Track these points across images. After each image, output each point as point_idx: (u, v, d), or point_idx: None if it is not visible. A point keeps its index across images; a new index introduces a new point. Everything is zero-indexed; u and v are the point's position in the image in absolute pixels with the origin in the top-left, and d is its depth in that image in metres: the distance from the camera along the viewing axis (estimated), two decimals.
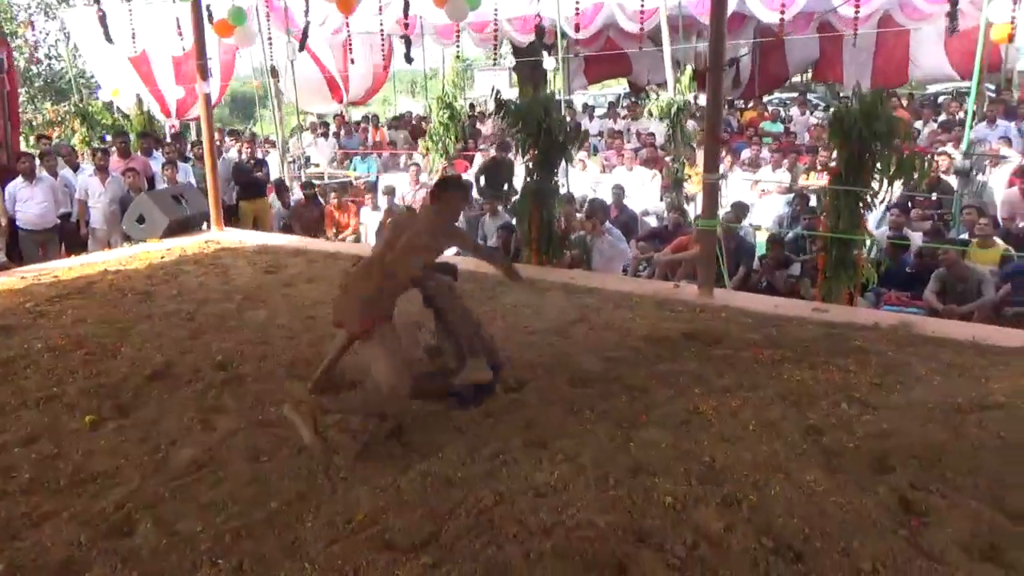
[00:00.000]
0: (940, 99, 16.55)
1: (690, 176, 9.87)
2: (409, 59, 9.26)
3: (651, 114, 9.99)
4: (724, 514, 2.72)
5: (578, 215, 7.67)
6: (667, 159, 10.03)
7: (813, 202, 8.27)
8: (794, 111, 16.33)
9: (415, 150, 14.10)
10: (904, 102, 14.13)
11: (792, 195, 9.72)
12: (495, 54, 13.69)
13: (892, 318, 5.07)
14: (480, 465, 3.15)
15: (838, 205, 5.35)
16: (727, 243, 7.67)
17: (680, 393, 3.79)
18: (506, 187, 8.97)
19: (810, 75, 19.36)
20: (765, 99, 18.04)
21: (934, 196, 8.46)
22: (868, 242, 5.50)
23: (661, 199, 11.10)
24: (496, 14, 10.17)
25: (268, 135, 17.18)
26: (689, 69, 9.77)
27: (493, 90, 6.91)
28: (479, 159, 12.73)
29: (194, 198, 8.50)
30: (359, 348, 3.52)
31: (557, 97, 10.35)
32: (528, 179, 6.54)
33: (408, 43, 9.27)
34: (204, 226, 8.52)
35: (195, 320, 5.17)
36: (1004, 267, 6.84)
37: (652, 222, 10.15)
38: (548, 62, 13.12)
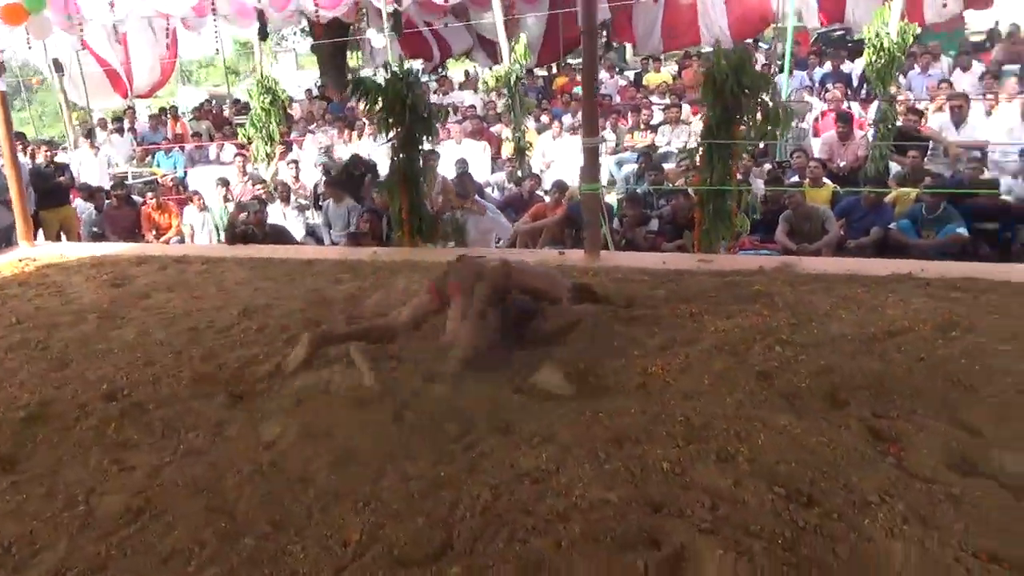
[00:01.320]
0: None
1: (531, 144, 9.94)
2: (265, 34, 8.64)
3: (486, 85, 9.94)
4: (725, 470, 2.73)
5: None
6: (507, 129, 9.99)
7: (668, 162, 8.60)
8: (603, 74, 16.91)
9: (227, 140, 13.25)
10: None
11: (616, 156, 10.06)
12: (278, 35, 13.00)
13: (772, 261, 5.36)
14: (459, 460, 2.97)
15: (712, 159, 5.55)
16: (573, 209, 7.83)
17: (621, 356, 3.78)
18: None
19: (606, 37, 20.11)
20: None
21: (761, 144, 9.06)
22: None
23: (492, 171, 11.16)
24: None
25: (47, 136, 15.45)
26: (523, 38, 9.77)
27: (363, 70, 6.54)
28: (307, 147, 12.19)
29: None
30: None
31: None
32: (394, 159, 6.28)
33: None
34: (9, 242, 7.52)
35: (52, 349, 4.52)
36: (835, 205, 7.47)
37: (493, 193, 10.17)
38: (377, 39, 12.68)
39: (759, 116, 5.49)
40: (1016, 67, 11.45)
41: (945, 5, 12.71)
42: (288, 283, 5.58)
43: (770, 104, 5.46)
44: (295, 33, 26.12)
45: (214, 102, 17.70)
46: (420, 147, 6.29)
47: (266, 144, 10.65)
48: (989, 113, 9.15)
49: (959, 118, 8.63)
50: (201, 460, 3.15)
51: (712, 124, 5.53)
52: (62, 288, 5.86)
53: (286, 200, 9.55)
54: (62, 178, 9.44)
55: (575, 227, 7.86)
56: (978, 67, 11.46)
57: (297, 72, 27.46)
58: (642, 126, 11.50)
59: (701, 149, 5.78)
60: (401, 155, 6.22)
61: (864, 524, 2.42)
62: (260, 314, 4.85)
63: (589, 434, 3.06)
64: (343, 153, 11.68)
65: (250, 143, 11.00)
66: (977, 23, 16.16)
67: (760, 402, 3.22)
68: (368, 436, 3.22)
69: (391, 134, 6.21)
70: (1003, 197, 6.95)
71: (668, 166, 9.38)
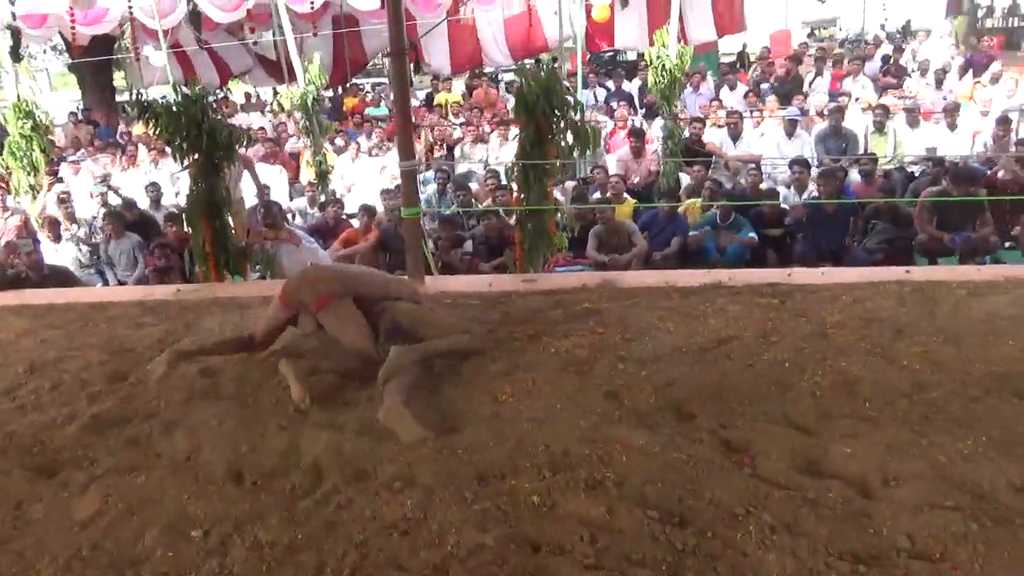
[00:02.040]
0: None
1: (332, 167, 9.62)
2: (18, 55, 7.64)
3: (280, 107, 9.49)
4: (596, 498, 2.69)
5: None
6: (306, 152, 9.59)
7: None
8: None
9: None
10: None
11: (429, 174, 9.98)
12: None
13: (592, 278, 5.49)
14: (314, 517, 2.72)
15: (528, 178, 5.60)
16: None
17: (466, 384, 3.68)
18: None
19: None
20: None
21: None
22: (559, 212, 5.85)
23: (291, 196, 10.71)
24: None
25: None
26: (318, 58, 9.43)
27: (135, 92, 5.97)
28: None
29: None
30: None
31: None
32: (194, 188, 5.79)
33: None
34: None
35: None
36: (636, 219, 7.82)
37: (295, 219, 9.72)
38: (156, 57, 11.74)
39: (569, 135, 5.60)
40: (771, 85, 12.68)
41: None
42: (80, 331, 4.96)
43: (579, 123, 5.58)
44: (44, 51, 23.80)
45: None
46: (221, 174, 5.85)
47: (28, 175, 9.51)
48: (756, 128, 10.02)
49: (735, 133, 9.36)
50: (4, 551, 2.67)
51: (526, 144, 5.57)
52: None
53: (56, 238, 8.56)
54: None
55: (389, 251, 7.69)
56: (741, 86, 12.56)
57: (51, 93, 25.01)
58: (439, 145, 11.51)
59: (516, 170, 5.81)
60: (201, 184, 5.75)
61: (737, 538, 2.47)
62: (51, 369, 4.26)
63: (451, 473, 2.92)
64: (121, 182, 10.71)
65: (9, 174, 9.78)
66: (727, 46, 17.78)
67: (614, 422, 3.24)
68: (203, 500, 2.89)
69: (187, 161, 5.73)
70: (782, 205, 7.59)
71: (473, 186, 9.46)
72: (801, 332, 4.12)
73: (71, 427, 3.53)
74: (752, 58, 16.37)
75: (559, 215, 5.79)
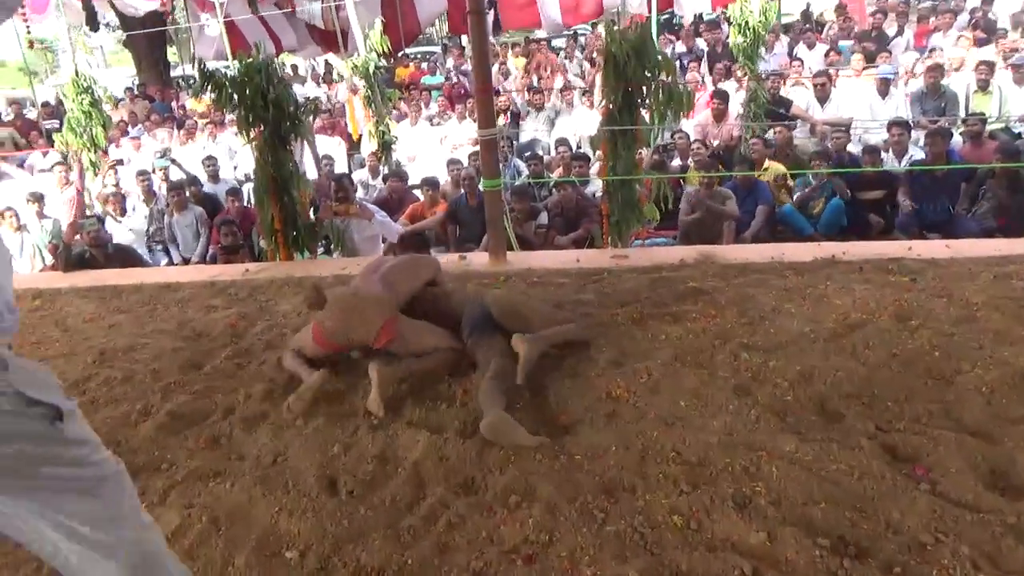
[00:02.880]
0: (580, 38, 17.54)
1: (396, 138, 9.27)
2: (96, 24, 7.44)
3: (340, 77, 9.15)
4: (750, 520, 2.30)
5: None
6: (368, 123, 9.25)
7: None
8: (450, 62, 16.36)
9: (38, 148, 11.69)
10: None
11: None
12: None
13: (689, 252, 5.05)
14: (423, 538, 2.39)
15: (616, 146, 5.16)
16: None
17: (574, 378, 3.30)
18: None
19: (446, 27, 19.53)
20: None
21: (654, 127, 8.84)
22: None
23: (350, 168, 10.41)
24: None
25: None
26: (379, 24, 9.05)
27: (199, 62, 5.67)
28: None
29: None
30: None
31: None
32: (260, 162, 5.49)
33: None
34: None
35: None
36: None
37: (359, 193, 9.41)
38: (212, 28, 11.49)
39: (661, 99, 5.13)
40: (850, 43, 11.91)
41: None
42: (149, 315, 4.71)
43: (672, 85, 5.11)
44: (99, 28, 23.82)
45: (11, 107, 15.63)
46: (288, 147, 5.52)
47: (90, 151, 9.34)
48: (836, 89, 9.36)
49: (823, 95, 8.74)
50: None
51: (614, 110, 5.12)
52: None
53: (121, 212, 8.39)
54: None
55: (459, 224, 7.32)
56: (820, 45, 11.81)
57: (106, 70, 25.07)
58: (504, 112, 11.07)
59: (598, 138, 5.37)
60: (268, 158, 5.43)
61: None
62: (121, 359, 4.01)
63: (573, 485, 2.56)
64: (181, 155, 10.52)
65: (71, 151, 9.64)
66: (788, 7, 16.91)
67: (752, 424, 2.83)
68: (296, 514, 2.57)
69: (252, 134, 5.41)
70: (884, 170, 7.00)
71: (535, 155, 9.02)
72: (944, 315, 3.65)
73: (146, 424, 3.26)
74: (817, 17, 15.49)
75: (660, 185, 5.33)
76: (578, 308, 4.06)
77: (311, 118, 5.88)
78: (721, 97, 8.54)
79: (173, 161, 9.60)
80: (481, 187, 5.14)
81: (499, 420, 2.83)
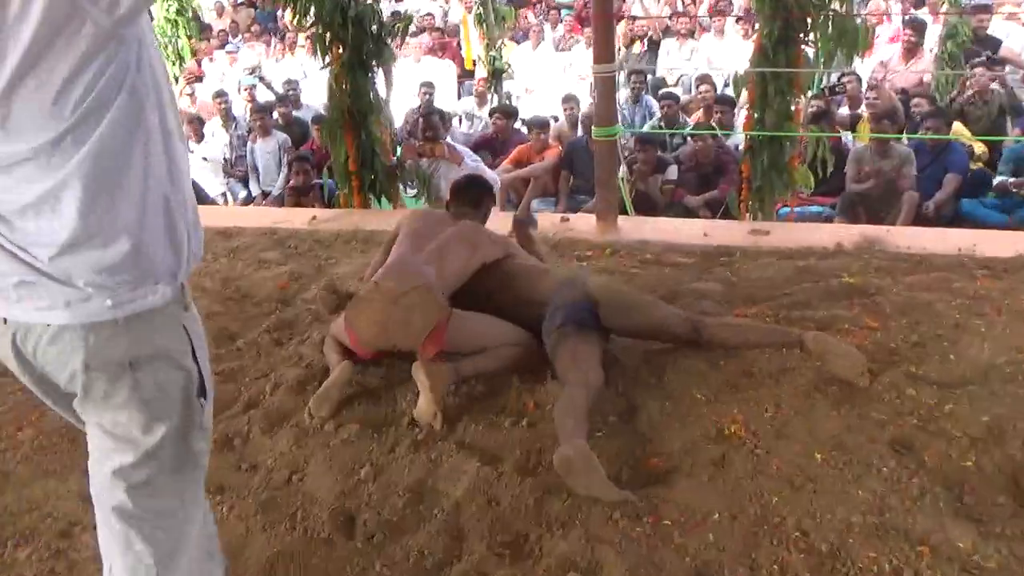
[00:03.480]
0: None
1: (510, 66, 8.81)
2: None
3: None
4: None
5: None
6: (481, 45, 8.80)
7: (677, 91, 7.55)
8: None
9: None
10: None
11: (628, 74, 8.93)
12: None
13: (848, 234, 4.41)
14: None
15: (766, 92, 4.53)
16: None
17: (678, 402, 2.82)
18: None
19: None
20: None
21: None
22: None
23: (459, 95, 10.03)
24: None
25: None
26: None
27: None
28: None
29: None
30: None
31: None
32: (335, 91, 5.16)
33: None
34: None
35: None
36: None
37: (464, 126, 9.04)
38: None
39: (830, 33, 4.45)
40: None
41: None
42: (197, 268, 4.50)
43: (846, 16, 4.42)
44: None
45: None
46: (370, 74, 5.16)
47: (173, 65, 9.34)
48: None
49: None
50: None
51: (767, 45, 4.48)
52: None
53: (198, 140, 8.32)
54: None
55: (574, 172, 6.82)
56: None
57: None
58: (640, 40, 10.36)
59: (747, 80, 4.75)
60: (345, 86, 5.09)
61: None
62: None
63: (655, 566, 2.11)
64: (272, 74, 10.41)
65: None
66: None
67: (912, 499, 2.28)
68: (296, 558, 2.25)
69: (328, 58, 5.08)
70: None
71: (678, 93, 8.34)
72: None
73: None
74: None
75: (811, 144, 4.69)
76: (695, 302, 3.54)
77: (397, 39, 5.46)
78: (916, 29, 7.52)
79: (261, 79, 9.47)
80: (593, 135, 4.63)
81: (578, 456, 2.39)
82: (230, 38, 12.95)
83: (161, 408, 1.45)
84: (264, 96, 9.37)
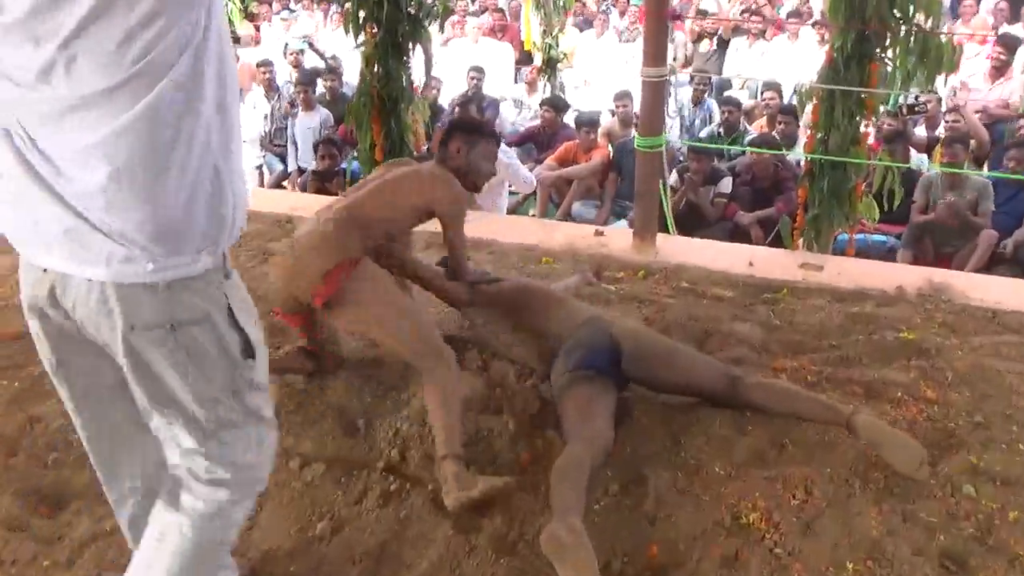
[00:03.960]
0: None
1: (566, 56, 8.40)
2: None
3: None
4: None
5: None
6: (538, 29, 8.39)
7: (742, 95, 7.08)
8: None
9: None
10: None
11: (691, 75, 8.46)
12: None
13: (911, 275, 3.96)
14: None
15: (833, 110, 4.09)
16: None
17: (693, 475, 2.44)
18: None
19: None
20: None
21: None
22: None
23: (516, 80, 9.65)
24: None
25: None
26: None
27: None
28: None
29: None
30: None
31: None
32: (365, 74, 4.82)
33: None
34: None
35: None
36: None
37: (511, 113, 8.66)
38: None
39: (911, 48, 3.98)
40: None
41: None
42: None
43: (931, 35, 3.95)
44: None
45: None
46: (405, 58, 4.81)
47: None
48: None
49: None
50: None
51: (838, 59, 4.04)
52: None
53: None
54: None
55: (622, 175, 6.41)
56: None
57: None
58: (709, 37, 9.84)
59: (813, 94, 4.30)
60: (377, 68, 4.75)
61: None
62: None
63: None
64: (326, 46, 10.11)
65: None
66: None
67: None
68: None
69: (361, 37, 4.74)
70: None
71: (743, 98, 7.87)
72: None
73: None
74: None
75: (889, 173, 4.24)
76: (728, 347, 3.15)
77: (436, 22, 5.10)
78: (1007, 47, 6.91)
79: (311, 45, 9.14)
80: (636, 145, 4.23)
81: (570, 538, 2.03)
82: (291, 3, 12.72)
83: (205, 369, 1.46)
84: (312, 62, 9.06)
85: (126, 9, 1.23)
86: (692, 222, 5.77)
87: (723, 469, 2.45)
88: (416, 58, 4.91)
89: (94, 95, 1.25)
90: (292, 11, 12.08)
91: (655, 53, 3.96)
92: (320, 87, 8.11)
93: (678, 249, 4.33)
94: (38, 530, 2.31)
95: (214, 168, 1.38)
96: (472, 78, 7.89)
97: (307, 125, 7.68)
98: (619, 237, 4.49)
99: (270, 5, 12.12)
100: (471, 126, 3.09)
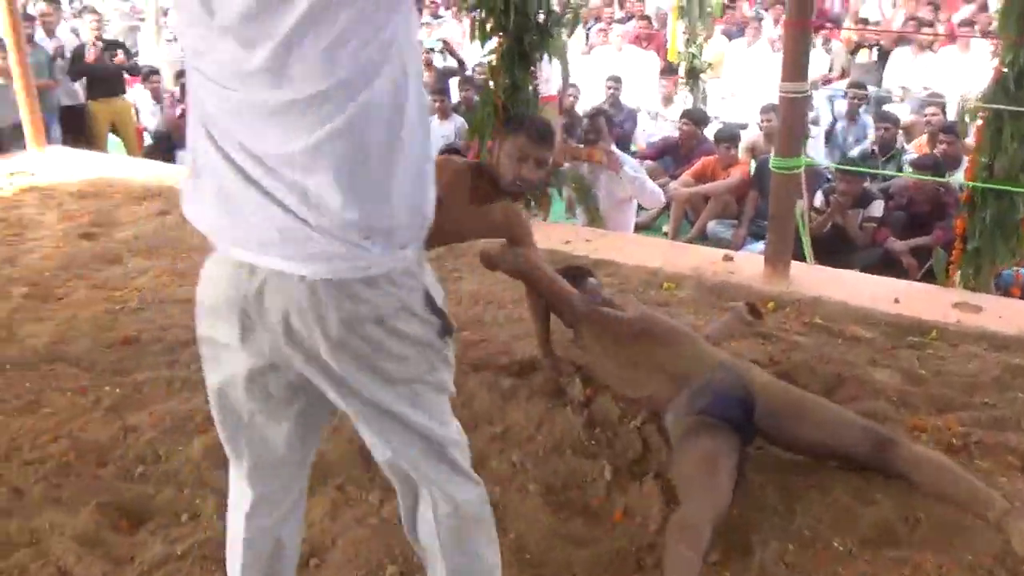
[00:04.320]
0: None
1: (711, 65, 8.07)
2: None
3: None
4: None
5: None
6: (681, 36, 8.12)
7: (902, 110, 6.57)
8: None
9: None
10: None
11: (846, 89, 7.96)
12: None
13: None
14: None
15: (1000, 134, 3.66)
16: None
17: (806, 549, 2.15)
18: None
19: None
20: None
21: None
22: None
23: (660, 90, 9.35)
24: None
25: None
26: None
27: None
28: None
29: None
30: None
31: None
32: (488, 83, 4.71)
33: None
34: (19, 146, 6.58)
35: None
36: None
37: (648, 124, 8.38)
38: None
39: None
40: None
41: None
42: None
43: None
44: None
45: None
46: (532, 68, 4.66)
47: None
48: None
49: None
50: None
51: (1008, 76, 3.61)
52: (23, 230, 4.75)
53: None
54: (116, 59, 8.39)
55: (764, 193, 6.06)
56: None
57: None
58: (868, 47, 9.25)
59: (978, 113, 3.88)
60: (503, 79, 4.62)
61: None
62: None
63: None
64: (469, 54, 10.13)
65: None
66: None
67: None
68: None
69: (488, 46, 4.63)
70: None
71: (902, 112, 7.32)
72: None
73: (204, 436, 2.69)
74: None
75: None
76: (863, 397, 2.82)
77: (566, 30, 4.92)
78: None
79: (445, 44, 9.14)
80: (772, 165, 3.92)
81: None
82: (440, 10, 12.88)
83: (410, 357, 1.48)
84: (442, 64, 9.06)
85: (340, 11, 1.24)
86: (836, 246, 5.37)
87: (842, 544, 2.15)
88: (553, 67, 4.76)
89: (307, 98, 1.28)
90: (439, 18, 12.22)
91: (795, 66, 3.65)
92: (455, 96, 8.11)
93: (814, 280, 3.98)
94: (111, 548, 2.27)
95: (419, 166, 1.41)
96: (609, 87, 7.69)
97: (441, 133, 7.67)
98: (749, 263, 4.18)
99: (420, 12, 12.31)
100: (509, 121, 3.06)
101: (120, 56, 8.43)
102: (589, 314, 2.84)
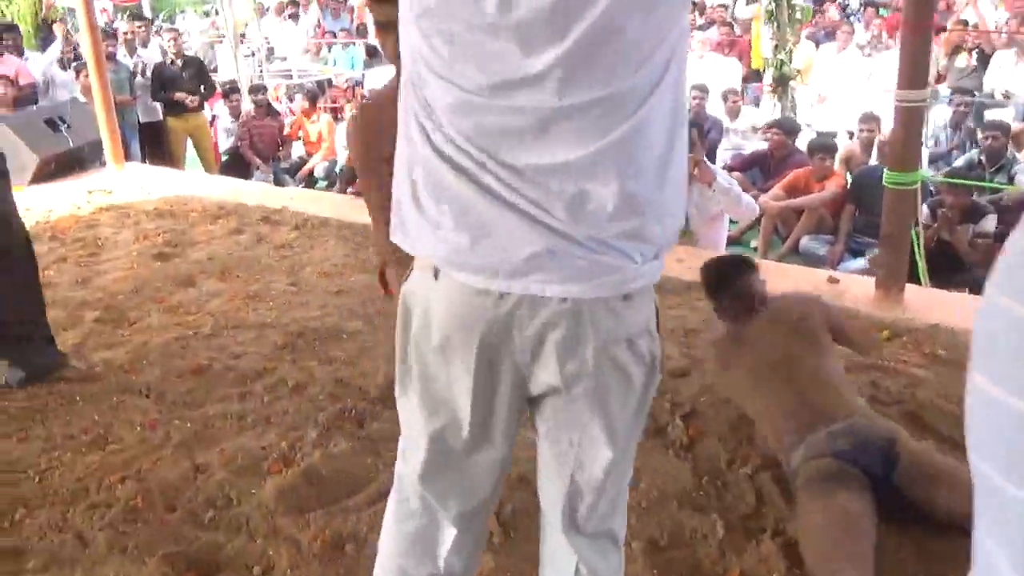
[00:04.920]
0: None
1: (799, 72, 7.72)
2: None
3: None
4: None
5: None
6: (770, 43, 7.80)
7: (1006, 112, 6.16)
8: None
9: None
10: None
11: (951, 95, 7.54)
12: None
13: None
14: None
15: None
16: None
17: None
18: None
19: None
20: None
21: None
22: None
23: (743, 98, 9.01)
24: None
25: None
26: None
27: None
28: None
29: (80, 121, 6.53)
30: None
31: None
32: None
33: None
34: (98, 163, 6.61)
35: None
36: None
37: (735, 136, 8.05)
38: None
39: None
40: None
41: None
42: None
43: None
44: None
45: None
46: None
47: None
48: None
49: None
50: None
51: None
52: (98, 250, 4.71)
53: None
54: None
55: (861, 208, 5.72)
56: None
57: None
58: (968, 51, 8.77)
59: None
60: None
61: None
62: (324, 345, 3.39)
63: None
64: None
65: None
66: None
67: None
68: None
69: None
70: None
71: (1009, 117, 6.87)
72: None
73: (279, 478, 2.52)
74: None
75: None
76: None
77: None
78: None
79: None
80: (885, 181, 3.61)
81: None
82: None
83: (644, 383, 1.40)
84: None
85: (633, 16, 1.17)
86: (944, 265, 5.00)
87: None
88: None
89: (592, 104, 1.20)
90: None
91: (914, 72, 3.33)
92: None
93: (930, 304, 3.65)
94: None
95: (683, 176, 1.36)
96: (695, 97, 7.40)
97: None
98: (858, 286, 3.86)
99: None
100: None
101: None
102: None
